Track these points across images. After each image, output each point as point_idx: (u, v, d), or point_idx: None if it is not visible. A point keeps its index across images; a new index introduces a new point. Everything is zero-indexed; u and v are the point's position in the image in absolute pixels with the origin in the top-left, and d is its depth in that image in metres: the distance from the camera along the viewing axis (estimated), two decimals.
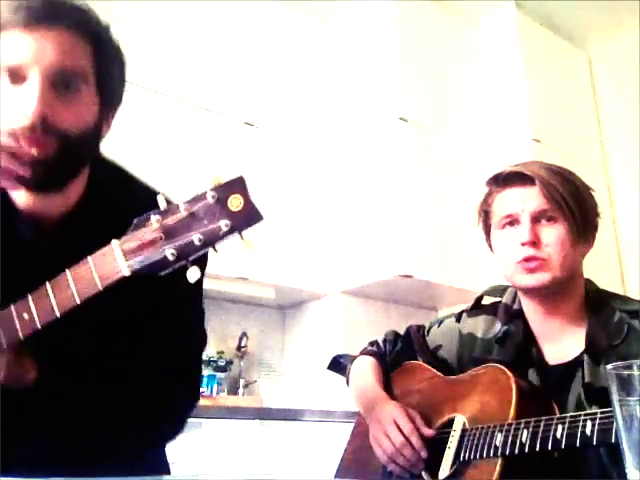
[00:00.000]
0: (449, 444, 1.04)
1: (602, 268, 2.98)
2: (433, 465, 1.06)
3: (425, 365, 1.25)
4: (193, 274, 0.68)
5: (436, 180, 3.00)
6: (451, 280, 2.89)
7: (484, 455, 0.96)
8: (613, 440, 0.77)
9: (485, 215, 1.18)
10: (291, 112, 3.10)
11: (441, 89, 3.19)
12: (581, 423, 0.85)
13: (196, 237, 0.66)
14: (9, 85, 0.80)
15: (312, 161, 3.13)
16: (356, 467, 1.23)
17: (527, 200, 1.08)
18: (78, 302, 0.71)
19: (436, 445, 1.07)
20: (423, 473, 1.07)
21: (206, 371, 2.72)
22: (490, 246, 1.19)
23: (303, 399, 3.00)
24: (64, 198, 0.89)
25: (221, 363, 2.84)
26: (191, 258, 0.68)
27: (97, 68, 0.86)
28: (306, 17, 3.32)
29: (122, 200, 0.87)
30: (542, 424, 0.90)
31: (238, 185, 0.67)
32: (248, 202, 0.66)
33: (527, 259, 1.06)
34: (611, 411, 0.76)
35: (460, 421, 1.06)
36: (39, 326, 0.73)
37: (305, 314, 3.15)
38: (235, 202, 0.66)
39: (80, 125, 0.83)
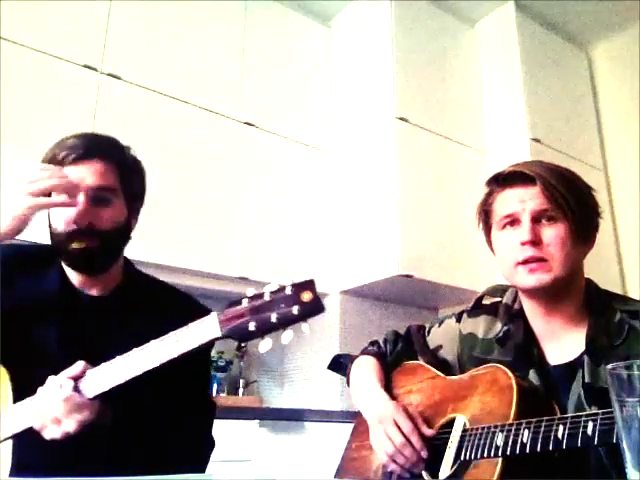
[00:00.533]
0: (449, 444, 1.04)
1: (602, 268, 2.98)
2: (433, 465, 1.06)
3: (426, 365, 1.25)
4: (265, 345, 0.90)
5: (436, 180, 3.00)
6: (451, 280, 2.89)
7: (485, 455, 0.96)
8: (615, 440, 0.77)
9: (485, 215, 1.18)
10: (291, 112, 3.10)
11: (441, 89, 3.20)
12: (582, 424, 0.84)
13: (274, 316, 0.89)
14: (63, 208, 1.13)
15: (312, 161, 3.13)
16: (356, 467, 1.23)
17: (527, 200, 1.08)
18: (176, 356, 0.94)
19: (437, 445, 1.07)
20: (423, 473, 1.07)
21: None
22: (490, 246, 1.19)
23: (303, 399, 3.00)
24: (108, 278, 1.22)
25: (221, 363, 2.84)
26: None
27: (123, 184, 1.18)
28: (306, 18, 3.33)
29: (149, 284, 1.29)
30: (543, 424, 0.90)
31: (310, 284, 0.91)
32: (316, 297, 0.90)
33: (528, 259, 1.06)
34: (612, 411, 0.76)
35: (461, 421, 1.06)
36: (140, 373, 0.95)
37: None
38: (306, 296, 0.90)
39: (114, 225, 1.16)
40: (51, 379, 1.00)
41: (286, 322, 0.89)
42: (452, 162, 3.10)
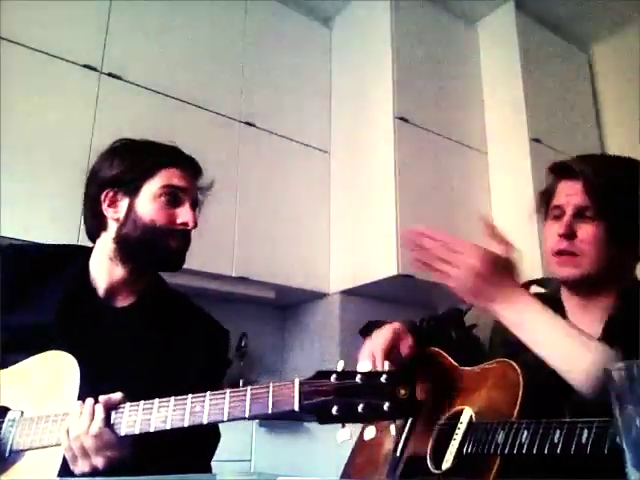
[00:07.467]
0: (455, 436, 1.04)
1: None
2: (438, 455, 1.06)
3: (443, 353, 1.25)
4: (343, 435, 0.81)
5: (436, 180, 3.00)
6: None
7: (485, 451, 0.96)
8: (606, 452, 0.77)
9: (545, 204, 1.20)
10: (291, 112, 3.10)
11: (441, 89, 3.20)
12: (577, 431, 0.84)
13: (360, 405, 0.79)
14: (166, 207, 1.21)
15: (312, 161, 3.13)
16: (361, 466, 1.23)
17: (572, 194, 1.10)
18: (246, 417, 0.84)
19: (444, 435, 1.07)
20: (428, 461, 1.07)
21: None
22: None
23: None
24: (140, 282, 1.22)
25: None
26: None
27: (195, 191, 1.30)
28: (306, 18, 3.33)
29: (167, 298, 1.27)
30: (541, 427, 0.90)
31: (408, 378, 0.81)
32: (412, 395, 0.79)
33: (560, 251, 1.08)
34: (607, 421, 0.76)
35: (467, 414, 1.06)
36: (205, 422, 0.86)
37: (305, 314, 3.15)
38: (402, 391, 0.79)
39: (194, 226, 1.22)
40: (88, 401, 0.94)
41: (372, 417, 0.79)
42: (452, 162, 3.10)
